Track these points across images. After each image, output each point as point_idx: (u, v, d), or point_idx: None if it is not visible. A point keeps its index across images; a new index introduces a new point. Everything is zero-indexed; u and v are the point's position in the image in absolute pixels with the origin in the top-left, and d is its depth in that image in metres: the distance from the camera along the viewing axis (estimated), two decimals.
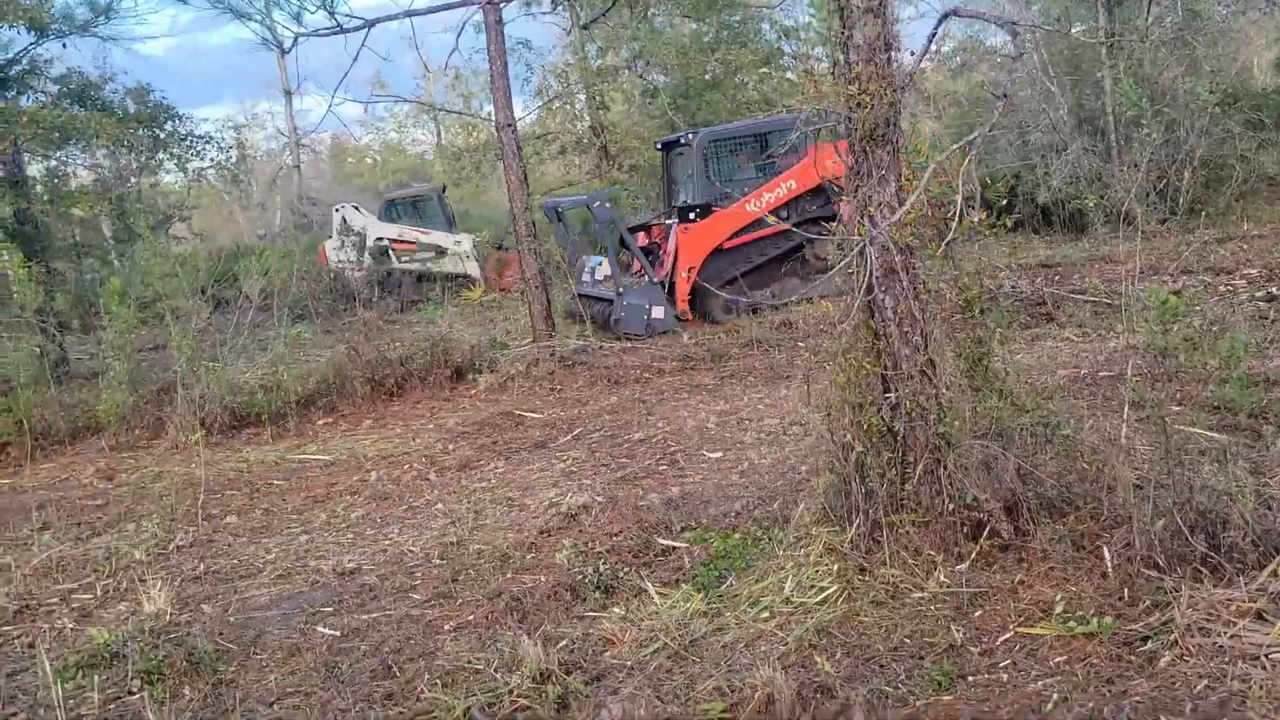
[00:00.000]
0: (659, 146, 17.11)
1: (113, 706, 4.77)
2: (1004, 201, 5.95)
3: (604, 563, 5.80)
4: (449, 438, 9.80)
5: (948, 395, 5.02)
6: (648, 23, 24.67)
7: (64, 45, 17.16)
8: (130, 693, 4.89)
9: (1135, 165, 15.28)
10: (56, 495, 8.96)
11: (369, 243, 21.54)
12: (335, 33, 6.13)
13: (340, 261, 21.31)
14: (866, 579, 4.95)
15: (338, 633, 5.44)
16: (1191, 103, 15.99)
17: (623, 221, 14.79)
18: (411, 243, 21.82)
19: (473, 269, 21.56)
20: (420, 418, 11.04)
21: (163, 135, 18.18)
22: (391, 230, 22.09)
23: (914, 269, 4.99)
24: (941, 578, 4.81)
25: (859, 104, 4.75)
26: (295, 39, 5.99)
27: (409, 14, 6.77)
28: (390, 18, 6.75)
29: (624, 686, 4.41)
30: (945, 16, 4.83)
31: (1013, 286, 11.49)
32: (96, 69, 18.38)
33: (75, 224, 18.90)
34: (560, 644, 4.91)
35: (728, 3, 24.28)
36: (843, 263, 4.81)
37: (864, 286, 4.74)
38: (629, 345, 12.77)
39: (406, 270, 21.67)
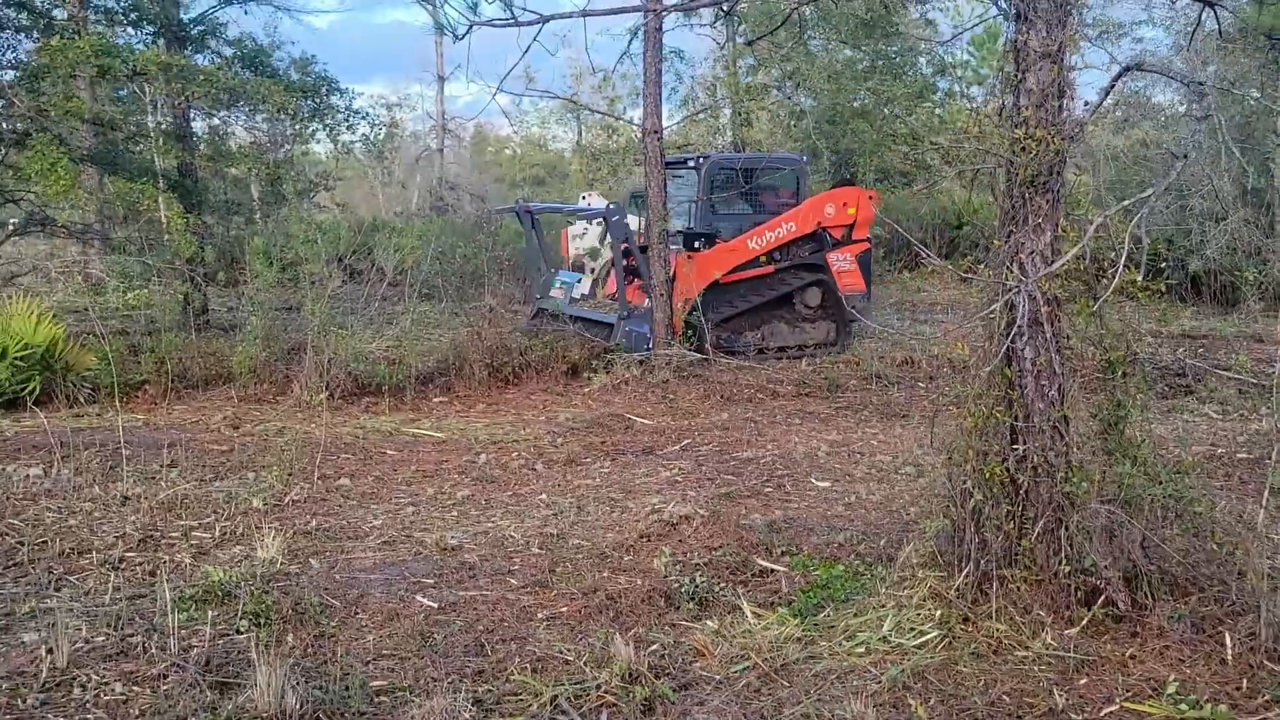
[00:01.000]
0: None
1: (221, 642, 4.99)
2: (1160, 265, 5.75)
3: (701, 575, 5.81)
4: (559, 432, 9.94)
5: (1078, 455, 4.88)
6: (803, 45, 24.53)
7: (245, 11, 18.00)
8: (238, 631, 5.11)
9: None
10: (186, 436, 9.39)
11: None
12: (509, 24, 6.27)
13: (581, 249, 21.54)
14: (969, 630, 4.84)
15: (436, 605, 5.58)
16: None
17: (635, 238, 13.74)
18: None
19: None
20: (533, 408, 11.21)
21: (321, 106, 18.88)
22: (635, 223, 22.28)
23: (1058, 321, 4.87)
24: (1049, 639, 4.67)
25: (1023, 149, 4.66)
26: (470, 27, 6.08)
27: (584, 14, 6.84)
28: (565, 15, 6.84)
29: (711, 699, 4.40)
30: (1126, 69, 4.70)
31: (1152, 353, 11.06)
32: (267, 36, 19.26)
33: (229, 182, 19.79)
34: (651, 648, 4.94)
35: (888, 33, 24.00)
36: (989, 309, 4.71)
37: (1008, 334, 4.63)
38: (745, 364, 12.74)
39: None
